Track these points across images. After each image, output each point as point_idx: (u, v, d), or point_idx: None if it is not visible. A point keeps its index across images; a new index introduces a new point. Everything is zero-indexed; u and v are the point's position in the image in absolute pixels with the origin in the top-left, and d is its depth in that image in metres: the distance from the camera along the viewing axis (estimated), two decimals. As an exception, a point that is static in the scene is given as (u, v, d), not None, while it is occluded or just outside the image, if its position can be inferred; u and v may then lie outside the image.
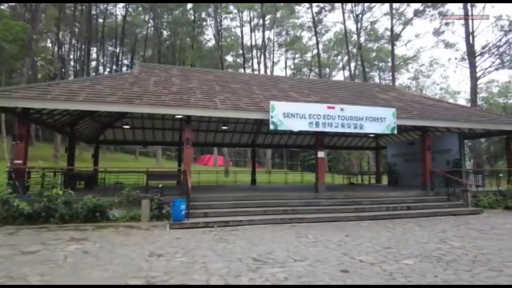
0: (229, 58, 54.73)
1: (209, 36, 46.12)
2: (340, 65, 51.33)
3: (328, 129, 10.88)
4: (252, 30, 41.85)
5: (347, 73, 53.99)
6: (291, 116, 10.46)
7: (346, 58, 48.25)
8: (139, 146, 37.51)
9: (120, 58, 56.49)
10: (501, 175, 14.73)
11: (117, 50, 53.51)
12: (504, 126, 13.80)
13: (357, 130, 11.22)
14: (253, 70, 42.10)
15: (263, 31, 37.10)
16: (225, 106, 10.35)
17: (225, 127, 18.05)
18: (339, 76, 52.99)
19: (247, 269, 5.23)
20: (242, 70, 42.02)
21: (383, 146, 22.39)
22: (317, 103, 11.74)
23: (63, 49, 42.67)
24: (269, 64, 55.47)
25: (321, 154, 11.72)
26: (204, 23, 44.33)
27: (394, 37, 31.70)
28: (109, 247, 6.58)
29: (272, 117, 10.31)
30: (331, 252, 6.28)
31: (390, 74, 45.20)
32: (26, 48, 20.23)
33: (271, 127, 10.37)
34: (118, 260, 5.69)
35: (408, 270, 5.15)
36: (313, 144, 22.60)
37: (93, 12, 47.72)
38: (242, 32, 41.88)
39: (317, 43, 40.40)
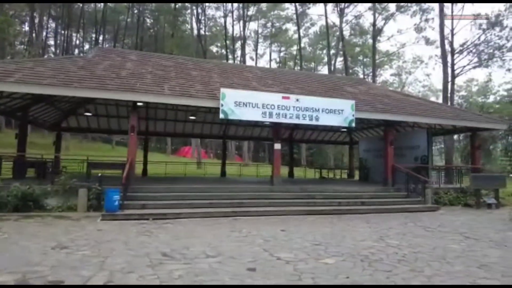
0: (215, 49, 53.94)
1: (193, 25, 44.98)
2: (326, 60, 50.92)
3: (282, 120, 10.43)
4: (235, 20, 41.05)
5: (332, 68, 53.81)
6: (243, 105, 9.97)
7: (331, 52, 48.03)
8: (116, 136, 36.68)
9: (102, 46, 54.99)
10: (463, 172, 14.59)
11: (100, 38, 52.02)
12: (468, 122, 13.58)
13: (313, 122, 10.81)
14: (235, 61, 41.42)
15: (244, 21, 36.31)
16: (172, 92, 9.80)
17: (193, 117, 17.48)
18: (324, 70, 52.63)
19: (147, 265, 4.77)
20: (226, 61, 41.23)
21: (357, 141, 22.16)
22: (277, 93, 11.24)
23: (42, 35, 41.15)
24: (254, 56, 54.93)
25: (277, 146, 11.28)
26: (187, 11, 43.17)
27: (376, 32, 31.36)
28: (16, 239, 6.06)
29: (222, 105, 9.79)
30: (253, 248, 5.87)
31: (377, 69, 45.14)
32: None
33: (221, 115, 9.86)
34: (12, 252, 5.20)
35: (322, 270, 4.77)
36: (287, 137, 22.43)
37: (73, -4, 45.97)
38: (225, 22, 40.99)
39: (299, 36, 39.86)
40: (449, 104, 25.02)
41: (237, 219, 8.59)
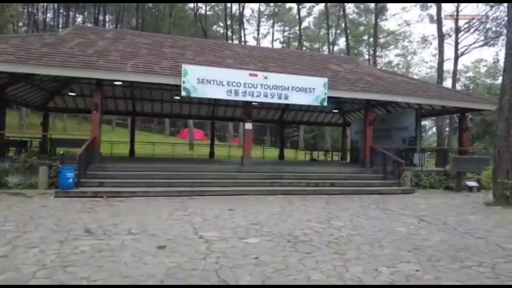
0: (221, 30, 52.90)
1: (193, 5, 43.97)
2: (331, 40, 49.44)
3: (249, 99, 10.08)
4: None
5: (336, 48, 52.32)
6: (206, 82, 9.64)
7: (335, 32, 46.58)
8: (116, 117, 36.86)
9: (104, 26, 54.57)
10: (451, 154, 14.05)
11: (101, 18, 51.65)
12: (455, 102, 12.94)
13: (282, 101, 10.43)
14: (240, 42, 40.59)
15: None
16: (134, 70, 9.54)
17: (177, 97, 17.23)
18: (326, 51, 51.20)
19: (58, 241, 4.68)
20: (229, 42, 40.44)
21: (349, 123, 21.63)
22: (244, 70, 10.76)
23: (38, 14, 41.05)
24: (257, 36, 53.76)
25: (248, 126, 10.97)
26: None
27: (378, 10, 30.04)
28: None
29: (184, 82, 9.48)
30: (184, 227, 5.72)
31: (379, 49, 43.64)
32: None
33: (183, 93, 9.58)
34: None
35: (236, 250, 4.58)
36: (277, 119, 22.05)
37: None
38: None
39: (299, 15, 38.55)
40: (452, 85, 24.05)
41: (192, 199, 8.46)
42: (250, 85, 10.00)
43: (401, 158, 15.17)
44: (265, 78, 10.15)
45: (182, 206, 7.53)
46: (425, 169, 12.94)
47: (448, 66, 34.17)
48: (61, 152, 9.47)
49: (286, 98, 10.40)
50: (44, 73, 9.44)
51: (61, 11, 49.88)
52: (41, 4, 42.28)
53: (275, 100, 10.37)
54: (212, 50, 13.69)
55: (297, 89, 10.42)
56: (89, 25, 45.24)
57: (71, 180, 8.19)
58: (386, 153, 11.56)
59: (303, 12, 49.42)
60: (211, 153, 20.17)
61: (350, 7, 37.43)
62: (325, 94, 10.73)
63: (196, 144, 25.18)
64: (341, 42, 49.54)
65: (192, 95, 9.76)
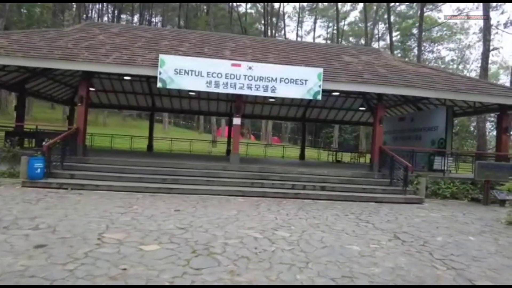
0: (260, 27, 52.42)
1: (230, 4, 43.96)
2: (376, 35, 46.36)
3: (230, 91, 9.28)
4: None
5: (382, 43, 48.86)
6: (184, 73, 9.06)
7: (381, 27, 43.48)
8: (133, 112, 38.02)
9: (150, 25, 57.04)
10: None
11: (148, 18, 54.19)
12: (489, 98, 10.77)
13: (268, 94, 9.43)
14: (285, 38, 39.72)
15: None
16: (114, 61, 9.32)
17: (192, 93, 16.99)
18: (375, 46, 48.01)
19: None
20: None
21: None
22: (225, 59, 9.95)
23: (90, 15, 44.19)
24: (300, 32, 52.31)
25: (236, 121, 10.20)
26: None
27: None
28: None
29: (160, 73, 9.01)
30: (99, 225, 5.19)
31: (431, 44, 39.70)
32: (1, 9, 20.80)
33: (159, 84, 9.12)
34: None
35: (116, 257, 3.93)
36: (300, 116, 20.81)
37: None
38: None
39: (337, 9, 36.36)
40: (511, 82, 20.69)
41: (155, 196, 7.94)
42: (232, 76, 9.21)
43: (429, 162, 13.33)
44: (250, 68, 9.28)
45: (132, 203, 7.03)
46: (447, 176, 11.00)
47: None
48: (44, 143, 9.53)
49: (273, 90, 9.41)
50: (28, 65, 9.65)
51: (116, 13, 53.22)
52: (92, 7, 45.44)
53: (261, 93, 9.44)
54: (214, 43, 13.13)
55: (286, 81, 9.38)
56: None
57: (39, 170, 8.18)
58: (393, 155, 9.98)
59: (347, 7, 46.99)
60: (228, 151, 19.70)
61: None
62: (319, 86, 9.52)
63: (223, 142, 24.89)
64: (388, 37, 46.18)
65: (169, 86, 9.27)
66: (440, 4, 32.08)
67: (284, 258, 4.30)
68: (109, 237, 4.69)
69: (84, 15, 41.64)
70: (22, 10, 35.19)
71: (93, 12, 51.28)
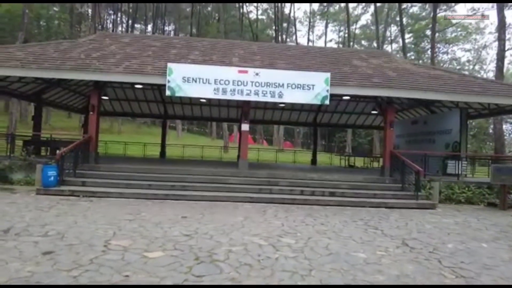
0: (271, 32, 52.64)
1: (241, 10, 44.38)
2: (389, 37, 45.85)
3: (238, 97, 9.35)
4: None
5: (395, 46, 48.22)
6: (192, 80, 9.19)
7: (393, 29, 42.99)
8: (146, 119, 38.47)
9: (163, 33, 58.11)
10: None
11: (163, 27, 55.32)
12: (502, 99, 10.46)
13: (275, 99, 9.44)
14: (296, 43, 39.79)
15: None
16: (124, 70, 9.54)
17: (203, 99, 17.16)
18: (387, 48, 47.46)
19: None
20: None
21: (392, 125, 19.33)
22: (233, 66, 10.01)
23: (104, 26, 45.42)
24: (312, 37, 52.27)
25: (244, 127, 10.25)
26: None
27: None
28: None
29: (169, 81, 9.17)
30: (106, 232, 5.30)
31: (445, 45, 38.96)
32: (20, 22, 21.60)
33: (167, 93, 9.27)
34: None
35: (120, 264, 4.00)
36: (311, 121, 20.70)
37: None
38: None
39: (347, 12, 36.16)
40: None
41: (164, 203, 8.03)
42: (239, 83, 9.28)
43: (443, 166, 13.01)
44: (256, 74, 9.33)
45: (140, 209, 7.15)
46: (462, 180, 10.70)
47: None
48: (57, 152, 9.82)
49: (280, 96, 9.42)
50: (41, 76, 9.98)
51: (130, 23, 54.54)
52: (108, 17, 46.69)
53: (268, 99, 9.47)
54: (223, 50, 13.25)
55: (293, 86, 9.37)
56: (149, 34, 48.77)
57: (52, 178, 8.41)
58: (404, 159, 9.79)
59: (358, 10, 46.72)
60: (239, 157, 19.74)
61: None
62: (327, 91, 9.47)
63: (230, 147, 25.03)
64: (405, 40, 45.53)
65: (177, 94, 9.42)
66: (453, 4, 31.47)
67: (286, 266, 4.27)
68: (115, 243, 4.77)
69: (100, 26, 42.81)
70: (41, 23, 36.61)
71: (108, 22, 52.70)
